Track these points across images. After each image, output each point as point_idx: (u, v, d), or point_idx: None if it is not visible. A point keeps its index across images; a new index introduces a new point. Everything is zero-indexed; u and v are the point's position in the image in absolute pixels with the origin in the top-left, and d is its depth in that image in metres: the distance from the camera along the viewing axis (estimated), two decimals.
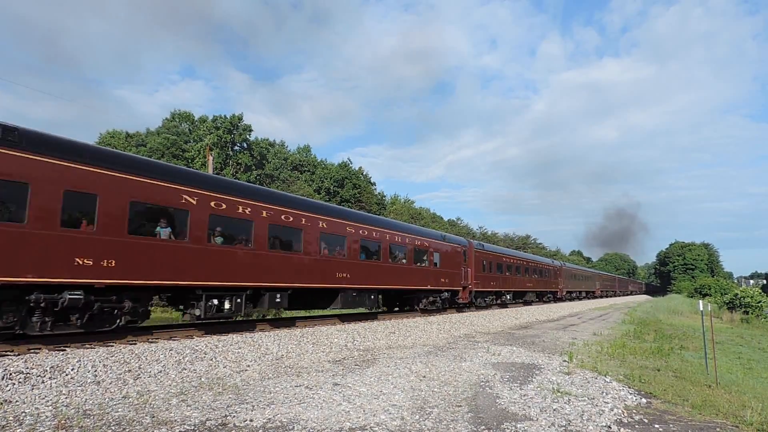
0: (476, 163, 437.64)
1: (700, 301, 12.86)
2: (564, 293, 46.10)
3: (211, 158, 28.48)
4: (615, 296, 79.78)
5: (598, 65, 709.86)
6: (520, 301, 36.25)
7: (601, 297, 67.05)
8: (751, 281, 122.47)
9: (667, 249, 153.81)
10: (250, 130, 56.24)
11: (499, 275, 29.92)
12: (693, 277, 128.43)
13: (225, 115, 54.45)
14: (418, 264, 20.85)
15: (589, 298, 58.09)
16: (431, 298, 21.86)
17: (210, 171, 27.09)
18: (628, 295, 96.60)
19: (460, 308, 25.76)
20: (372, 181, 62.07)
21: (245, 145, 56.05)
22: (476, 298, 26.74)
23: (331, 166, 58.77)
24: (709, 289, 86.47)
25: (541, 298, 40.68)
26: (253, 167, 54.57)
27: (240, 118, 54.87)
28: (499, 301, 30.97)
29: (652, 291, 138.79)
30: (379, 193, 63.76)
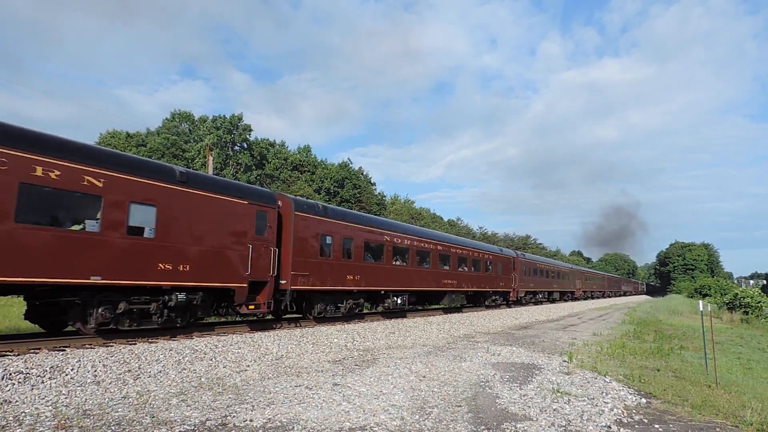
0: (476, 163, 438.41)
1: (700, 302, 12.84)
2: (522, 294, 33.52)
3: (211, 158, 28.47)
4: (603, 297, 67.57)
5: (598, 65, 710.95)
6: (435, 307, 23.68)
7: (584, 299, 54.62)
8: (751, 281, 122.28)
9: (667, 249, 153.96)
10: (250, 130, 56.32)
11: (363, 265, 16.82)
12: (693, 277, 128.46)
13: (224, 116, 54.54)
14: (55, 225, 8.99)
15: (565, 301, 46.52)
16: (125, 305, 10.02)
17: (210, 171, 27.09)
18: (621, 296, 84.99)
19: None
20: (372, 181, 62.17)
21: (245, 145, 56.10)
22: (301, 303, 14.85)
23: (331, 166, 58.79)
24: (709, 290, 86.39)
25: (483, 301, 28.24)
26: (253, 167, 54.59)
27: (240, 118, 54.93)
28: (379, 308, 19.08)
29: (651, 291, 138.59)
30: (379, 193, 63.81)
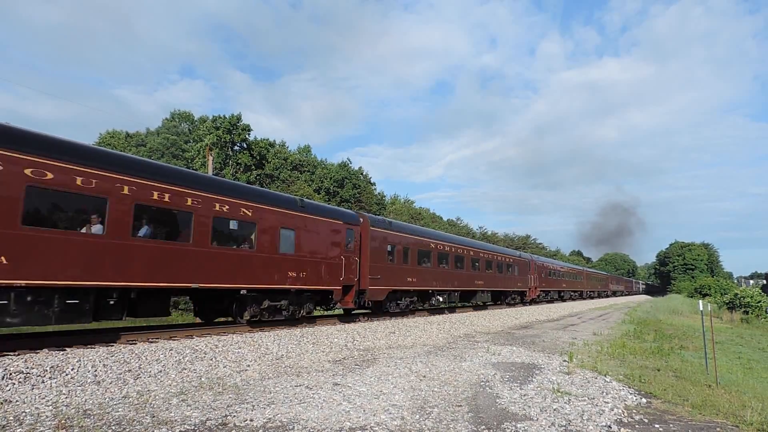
0: (476, 163, 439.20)
1: (700, 301, 12.86)
2: (381, 297, 18.17)
3: (210, 158, 28.46)
4: (582, 299, 52.14)
5: (597, 65, 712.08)
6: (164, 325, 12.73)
7: (548, 302, 39.56)
8: (751, 281, 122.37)
9: (667, 249, 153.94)
10: (249, 130, 56.29)
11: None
12: (693, 277, 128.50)
13: (224, 116, 54.52)
14: None
15: (509, 305, 31.40)
16: None
17: (210, 171, 27.10)
18: (607, 296, 70.85)
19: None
20: (372, 181, 62.15)
21: (245, 145, 56.07)
22: None
23: (331, 166, 58.82)
24: (709, 289, 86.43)
25: (240, 312, 12.95)
26: (253, 167, 54.59)
27: (239, 118, 54.90)
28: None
29: (651, 291, 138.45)
30: (379, 193, 63.82)
